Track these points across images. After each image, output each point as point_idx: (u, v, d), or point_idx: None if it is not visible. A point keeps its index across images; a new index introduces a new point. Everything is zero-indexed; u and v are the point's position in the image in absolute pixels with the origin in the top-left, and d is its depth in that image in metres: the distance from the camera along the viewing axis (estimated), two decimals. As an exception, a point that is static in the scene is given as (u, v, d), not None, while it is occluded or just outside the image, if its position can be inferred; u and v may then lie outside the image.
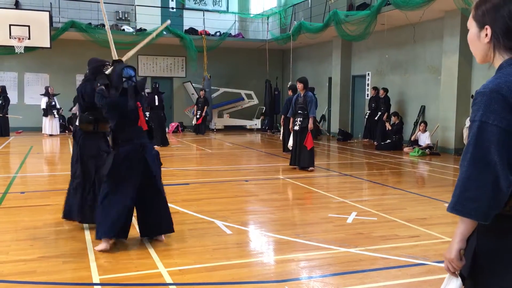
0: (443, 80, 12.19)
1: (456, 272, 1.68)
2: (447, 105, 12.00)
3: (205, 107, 17.29)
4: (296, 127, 9.02)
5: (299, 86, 9.08)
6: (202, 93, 17.46)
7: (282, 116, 11.49)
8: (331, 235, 4.79)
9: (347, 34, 13.92)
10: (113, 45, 4.85)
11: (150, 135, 4.54)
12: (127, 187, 4.25)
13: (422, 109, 13.30)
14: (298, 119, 9.00)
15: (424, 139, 12.02)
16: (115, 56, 4.70)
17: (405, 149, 12.24)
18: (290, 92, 11.72)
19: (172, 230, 4.54)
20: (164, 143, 12.93)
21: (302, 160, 8.93)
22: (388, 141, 12.94)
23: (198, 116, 17.40)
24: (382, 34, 13.93)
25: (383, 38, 14.43)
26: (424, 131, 12.08)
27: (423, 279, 3.68)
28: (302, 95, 9.04)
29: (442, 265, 3.90)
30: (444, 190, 7.27)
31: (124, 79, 4.37)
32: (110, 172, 4.24)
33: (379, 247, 4.38)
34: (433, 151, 11.84)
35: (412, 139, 12.47)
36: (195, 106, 17.65)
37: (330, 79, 17.55)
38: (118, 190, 4.24)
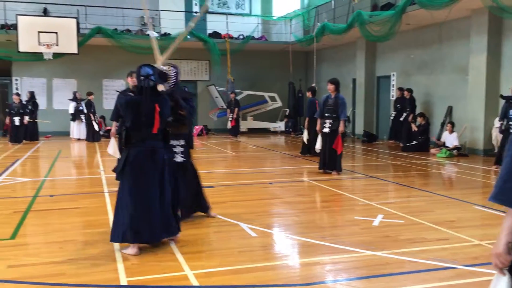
0: (470, 80, 11.95)
1: (505, 270, 1.62)
2: (475, 105, 11.75)
3: (236, 109, 17.46)
4: (326, 130, 8.74)
5: (330, 87, 8.76)
6: (232, 96, 17.66)
7: (307, 119, 11.37)
8: (357, 238, 4.74)
9: (371, 35, 13.78)
10: (158, 51, 4.88)
11: (165, 139, 4.52)
12: (141, 189, 4.23)
13: (449, 110, 13.06)
14: (327, 121, 8.71)
15: (452, 140, 11.80)
16: (158, 59, 4.76)
17: (432, 151, 12.04)
18: (309, 94, 11.64)
19: (178, 232, 4.56)
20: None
21: (333, 163, 8.72)
22: (414, 142, 12.74)
23: (230, 119, 17.57)
24: (407, 34, 13.76)
25: (408, 38, 14.24)
26: (452, 131, 11.86)
27: (452, 283, 3.60)
28: (333, 96, 8.75)
29: (472, 268, 3.84)
30: (473, 192, 7.12)
31: (142, 77, 4.30)
32: (121, 171, 4.29)
33: (407, 250, 4.32)
34: (461, 152, 11.61)
35: (438, 141, 12.24)
36: (228, 109, 17.78)
37: (354, 80, 17.42)
38: (132, 191, 4.23)
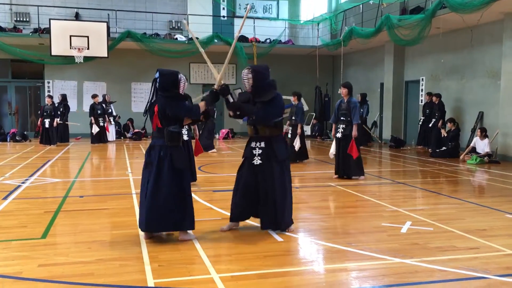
0: (503, 85, 11.67)
1: None
2: (508, 110, 11.46)
3: None
4: (339, 135, 8.68)
5: (343, 91, 8.65)
6: None
7: (300, 125, 10.85)
8: (384, 244, 4.67)
9: (400, 39, 13.61)
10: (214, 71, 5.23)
11: (165, 135, 4.70)
12: (142, 180, 4.80)
13: (480, 115, 12.77)
14: (341, 126, 8.65)
15: (483, 146, 11.52)
16: (216, 77, 5.00)
17: (464, 157, 11.76)
18: (294, 100, 11.17)
19: (158, 230, 4.75)
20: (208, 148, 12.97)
21: (347, 169, 8.65)
22: (444, 148, 12.50)
23: None
24: (437, 38, 13.53)
25: (438, 42, 14.01)
26: (483, 137, 11.58)
27: (484, 293, 3.52)
28: (345, 101, 8.65)
29: (504, 279, 3.73)
30: (505, 200, 6.92)
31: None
32: None
33: (436, 259, 4.23)
34: (492, 159, 11.33)
35: (467, 150, 11.98)
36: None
37: (382, 84, 17.22)
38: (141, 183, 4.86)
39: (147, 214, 4.61)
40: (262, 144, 5.03)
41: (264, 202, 5.01)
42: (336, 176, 8.90)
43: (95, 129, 15.84)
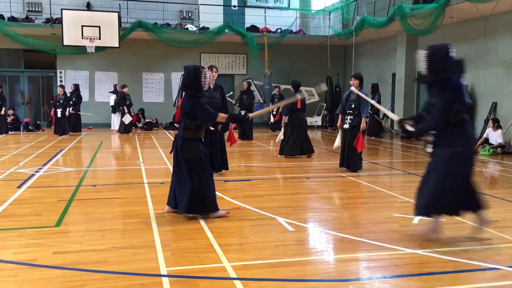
0: (517, 75, 11.52)
1: None
2: (522, 101, 11.32)
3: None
4: (346, 126, 8.48)
5: (355, 82, 8.42)
6: (277, 90, 17.56)
7: (284, 117, 10.37)
8: (396, 235, 4.67)
9: (412, 29, 13.45)
10: None
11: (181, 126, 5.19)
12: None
13: (494, 106, 12.63)
14: (348, 117, 8.46)
15: (496, 137, 11.41)
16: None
17: (477, 148, 11.65)
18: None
19: (185, 211, 5.12)
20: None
21: (352, 162, 8.45)
22: (456, 139, 12.37)
23: (274, 113, 17.53)
24: (451, 27, 13.35)
25: (451, 32, 13.82)
26: (496, 128, 11.46)
27: (496, 284, 3.50)
28: (355, 92, 8.44)
29: (517, 270, 3.71)
30: (518, 192, 6.87)
31: None
32: None
33: (448, 250, 4.21)
34: (505, 150, 11.22)
35: (479, 141, 11.86)
36: (270, 102, 17.76)
37: (394, 75, 17.08)
38: None
39: (176, 194, 5.19)
40: (434, 132, 4.51)
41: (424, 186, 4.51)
42: (341, 167, 8.71)
43: (128, 119, 16.01)
